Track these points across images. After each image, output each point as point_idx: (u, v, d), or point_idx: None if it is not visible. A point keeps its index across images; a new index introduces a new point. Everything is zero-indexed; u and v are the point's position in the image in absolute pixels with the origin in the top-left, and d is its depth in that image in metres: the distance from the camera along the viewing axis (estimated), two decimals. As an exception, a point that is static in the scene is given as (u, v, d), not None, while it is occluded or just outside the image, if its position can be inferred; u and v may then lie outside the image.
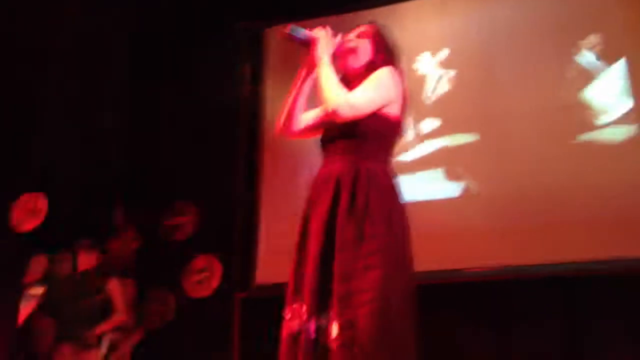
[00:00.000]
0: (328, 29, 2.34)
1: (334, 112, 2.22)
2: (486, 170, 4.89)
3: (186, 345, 5.32)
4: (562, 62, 4.87)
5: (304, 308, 2.21)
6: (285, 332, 2.30)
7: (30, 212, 4.87)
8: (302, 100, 2.45)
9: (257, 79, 5.98)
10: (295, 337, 2.22)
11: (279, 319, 5.06)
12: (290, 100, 2.45)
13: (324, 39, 2.30)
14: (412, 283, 2.23)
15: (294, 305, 2.27)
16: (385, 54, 2.38)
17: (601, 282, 4.37)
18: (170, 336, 5.36)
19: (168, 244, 5.64)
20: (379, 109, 2.26)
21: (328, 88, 2.24)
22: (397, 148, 2.42)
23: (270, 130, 5.73)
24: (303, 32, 2.30)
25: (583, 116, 4.76)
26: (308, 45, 2.30)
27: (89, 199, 5.81)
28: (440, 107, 5.12)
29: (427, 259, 4.58)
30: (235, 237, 5.44)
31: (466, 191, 4.90)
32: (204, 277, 5.30)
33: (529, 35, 5.03)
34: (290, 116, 2.46)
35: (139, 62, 6.18)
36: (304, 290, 2.22)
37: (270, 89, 5.91)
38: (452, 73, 5.14)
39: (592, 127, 4.70)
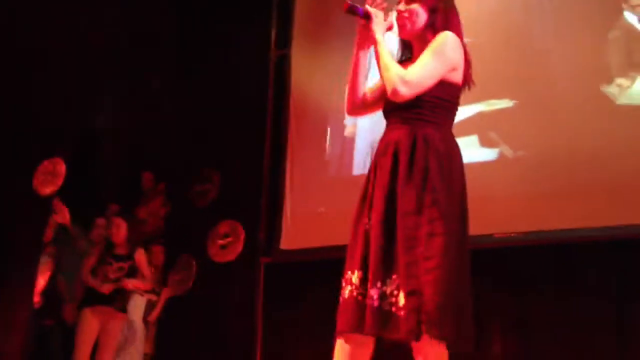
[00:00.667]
0: (382, 3, 2.32)
1: (394, 94, 2.22)
2: (523, 135, 4.72)
3: (211, 310, 5.33)
4: (606, 20, 4.62)
5: (358, 275, 2.24)
6: (342, 298, 2.30)
7: (50, 175, 4.88)
8: (361, 79, 2.43)
9: (285, 42, 5.87)
10: (354, 302, 2.23)
11: (303, 283, 5.07)
12: (350, 81, 2.43)
13: (377, 17, 2.27)
14: (469, 247, 2.26)
15: (349, 273, 2.29)
16: (439, 11, 2.32)
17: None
18: (195, 301, 5.36)
19: (195, 210, 5.63)
20: (443, 79, 2.25)
21: (385, 69, 2.24)
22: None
23: (297, 95, 5.65)
24: (361, 9, 2.28)
25: (625, 80, 4.54)
26: (368, 19, 2.28)
27: (119, 164, 5.84)
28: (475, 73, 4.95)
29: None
30: (261, 203, 5.39)
31: (501, 156, 4.75)
32: (228, 242, 5.27)
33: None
34: (353, 97, 2.45)
35: (184, 25, 6.19)
36: (362, 258, 2.25)
37: (298, 53, 5.79)
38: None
39: (634, 91, 4.48)
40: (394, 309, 2.13)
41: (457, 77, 2.28)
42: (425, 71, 2.21)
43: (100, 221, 5.26)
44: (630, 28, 4.54)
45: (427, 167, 2.18)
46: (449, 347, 2.13)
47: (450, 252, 2.12)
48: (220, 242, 5.26)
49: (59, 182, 4.84)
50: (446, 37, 2.25)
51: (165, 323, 5.39)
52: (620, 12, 4.55)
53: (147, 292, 5.24)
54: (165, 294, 5.33)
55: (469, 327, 2.19)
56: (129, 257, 4.89)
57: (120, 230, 4.90)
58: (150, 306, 5.30)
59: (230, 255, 5.17)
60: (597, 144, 4.44)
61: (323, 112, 5.57)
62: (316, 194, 5.20)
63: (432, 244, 2.11)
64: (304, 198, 5.30)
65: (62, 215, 4.91)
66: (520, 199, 4.57)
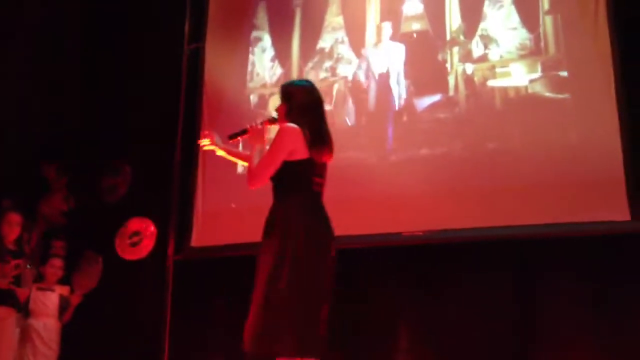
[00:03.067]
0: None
1: (247, 184, 2.94)
2: (434, 134, 4.86)
3: (120, 307, 5.21)
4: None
5: None
6: None
7: None
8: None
9: (198, 36, 5.81)
10: None
11: (214, 281, 5.04)
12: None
13: (253, 131, 3.03)
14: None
15: None
16: (295, 105, 3.02)
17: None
18: (103, 299, 5.23)
19: (102, 206, 5.48)
20: (286, 160, 2.88)
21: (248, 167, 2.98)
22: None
23: (210, 88, 5.60)
24: (239, 131, 3.11)
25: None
26: (246, 133, 3.07)
27: (21, 155, 5.60)
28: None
29: (372, 222, 4.77)
30: (172, 199, 5.31)
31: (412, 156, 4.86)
32: (139, 239, 5.16)
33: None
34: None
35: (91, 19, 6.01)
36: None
37: (211, 47, 5.74)
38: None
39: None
40: None
41: (301, 154, 2.87)
42: (264, 163, 2.90)
43: None
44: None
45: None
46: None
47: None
48: (130, 240, 5.14)
49: None
50: (280, 130, 2.92)
51: (72, 321, 5.22)
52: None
53: (59, 282, 5.09)
54: (76, 297, 5.18)
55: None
56: (22, 254, 4.72)
57: (15, 226, 4.70)
58: (64, 303, 5.13)
59: (141, 253, 5.07)
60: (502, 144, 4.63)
61: (237, 105, 5.55)
62: (228, 190, 5.16)
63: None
64: (216, 194, 5.25)
65: None
66: (428, 198, 4.70)
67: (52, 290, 5.07)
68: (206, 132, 3.26)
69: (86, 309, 5.22)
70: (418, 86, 4.89)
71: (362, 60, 5.12)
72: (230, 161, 5.15)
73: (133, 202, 5.40)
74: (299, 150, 2.86)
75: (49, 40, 5.81)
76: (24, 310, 4.81)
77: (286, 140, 2.86)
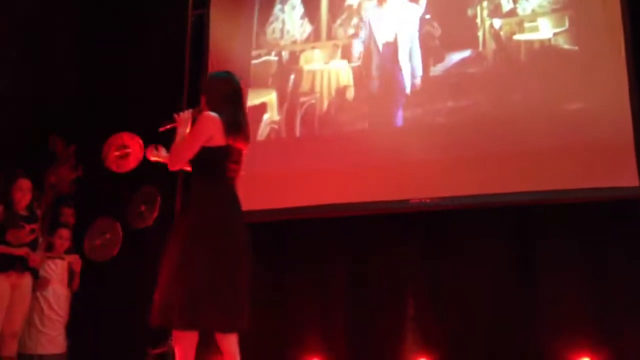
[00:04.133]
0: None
1: (168, 165, 3.16)
2: (439, 102, 4.82)
3: (129, 275, 5.27)
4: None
5: None
6: None
7: None
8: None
9: (202, 2, 5.75)
10: None
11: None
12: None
13: (180, 117, 3.20)
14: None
15: None
16: (213, 96, 3.19)
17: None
18: (113, 267, 5.28)
19: (112, 175, 5.50)
20: (204, 145, 3.03)
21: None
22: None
23: (215, 55, 5.57)
24: (168, 124, 3.24)
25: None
26: (175, 122, 3.22)
27: (26, 125, 5.62)
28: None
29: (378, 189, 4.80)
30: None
31: (417, 122, 4.85)
32: (146, 207, 5.18)
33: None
34: None
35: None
36: None
37: (216, 12, 5.70)
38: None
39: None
40: None
41: (219, 141, 3.04)
42: (184, 146, 3.07)
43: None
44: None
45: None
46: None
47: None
48: (142, 208, 5.16)
49: None
50: (201, 117, 3.08)
51: (82, 288, 5.30)
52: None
53: (66, 252, 5.14)
54: (78, 262, 5.23)
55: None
56: (36, 218, 4.76)
57: (27, 192, 4.73)
58: (71, 271, 5.19)
59: (147, 222, 5.09)
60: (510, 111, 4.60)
61: (242, 71, 5.52)
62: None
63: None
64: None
65: None
66: (435, 165, 4.69)
67: (62, 259, 5.13)
68: (150, 149, 3.40)
69: (97, 277, 5.29)
70: (447, 42, 4.90)
71: (384, 17, 5.13)
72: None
73: (143, 171, 5.41)
74: (216, 137, 3.04)
75: (51, 8, 5.76)
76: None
77: (205, 127, 3.04)
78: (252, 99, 5.34)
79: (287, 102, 5.29)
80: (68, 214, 5.42)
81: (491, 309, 4.51)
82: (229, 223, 3.03)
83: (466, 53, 4.80)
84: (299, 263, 5.15)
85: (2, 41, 5.30)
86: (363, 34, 5.19)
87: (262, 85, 5.42)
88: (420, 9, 5.02)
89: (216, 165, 3.08)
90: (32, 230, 4.68)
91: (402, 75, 4.97)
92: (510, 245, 4.57)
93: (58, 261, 5.13)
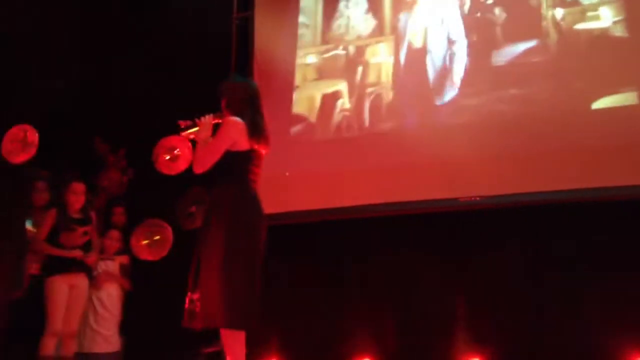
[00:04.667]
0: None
1: (193, 169, 3.21)
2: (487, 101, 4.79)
3: (180, 275, 5.32)
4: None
5: None
6: None
7: (21, 143, 4.68)
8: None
9: (247, 5, 5.82)
10: None
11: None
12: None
13: (201, 122, 3.26)
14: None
15: None
16: (232, 100, 3.26)
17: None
18: (164, 267, 5.36)
19: (162, 177, 5.59)
20: (228, 150, 3.10)
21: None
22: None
23: (260, 57, 5.62)
24: (187, 125, 3.30)
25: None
26: (195, 126, 3.28)
27: (76, 131, 5.75)
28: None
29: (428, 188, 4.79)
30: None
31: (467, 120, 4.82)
32: (196, 209, 5.24)
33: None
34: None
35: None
36: None
37: (261, 15, 5.75)
38: None
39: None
40: None
41: (243, 145, 3.11)
42: (209, 151, 3.13)
43: (41, 185, 5.09)
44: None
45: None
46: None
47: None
48: (191, 209, 5.23)
49: (32, 151, 4.65)
50: (225, 123, 3.15)
51: (135, 288, 5.41)
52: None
53: (117, 253, 5.25)
54: (127, 263, 5.34)
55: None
56: (89, 220, 4.88)
57: (80, 195, 4.85)
58: (123, 271, 5.30)
59: (198, 222, 5.14)
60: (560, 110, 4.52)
61: (287, 73, 5.57)
62: (282, 157, 5.21)
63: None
64: (270, 162, 5.28)
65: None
66: (485, 163, 4.65)
67: (112, 259, 5.24)
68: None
69: (149, 276, 5.38)
70: (510, 31, 4.90)
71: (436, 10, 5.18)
72: (283, 130, 5.27)
73: (191, 172, 5.47)
74: (240, 141, 3.12)
75: (95, 10, 5.87)
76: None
77: (230, 132, 3.12)
78: (324, 89, 5.47)
79: (356, 93, 5.33)
80: (118, 214, 5.52)
81: (541, 307, 4.44)
82: (255, 226, 3.11)
83: (531, 43, 4.79)
84: (348, 262, 5.15)
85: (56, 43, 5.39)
86: (419, 26, 5.22)
87: (333, 77, 5.51)
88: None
89: (240, 169, 3.15)
90: (85, 233, 4.79)
91: (455, 65, 4.98)
92: (562, 243, 4.49)
93: (109, 262, 5.25)
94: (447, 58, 5.03)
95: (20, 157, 4.59)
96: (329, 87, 5.47)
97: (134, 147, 5.88)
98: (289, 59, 5.63)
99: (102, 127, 5.92)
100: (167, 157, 5.19)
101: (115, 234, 5.32)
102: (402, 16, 5.34)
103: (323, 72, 5.58)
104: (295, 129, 5.47)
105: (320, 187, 5.16)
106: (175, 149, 5.19)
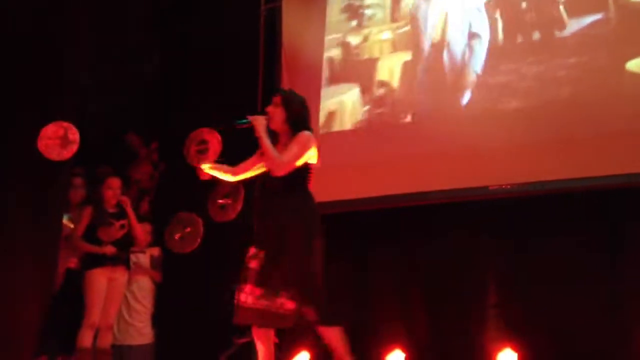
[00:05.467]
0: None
1: (272, 171, 3.40)
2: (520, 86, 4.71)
3: (210, 268, 5.37)
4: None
5: None
6: None
7: (60, 140, 4.72)
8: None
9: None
10: None
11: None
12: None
13: (257, 121, 3.41)
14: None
15: None
16: (295, 114, 3.46)
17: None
18: (195, 259, 5.40)
19: (191, 169, 5.61)
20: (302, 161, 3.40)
21: (267, 154, 3.40)
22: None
23: (288, 48, 5.62)
24: (244, 122, 3.45)
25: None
26: (251, 125, 3.43)
27: (107, 125, 5.80)
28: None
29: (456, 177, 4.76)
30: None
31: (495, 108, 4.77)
32: (229, 202, 5.26)
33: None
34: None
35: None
36: None
37: (288, 6, 5.74)
38: None
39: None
40: None
41: (313, 160, 3.45)
42: (291, 158, 3.36)
43: (77, 181, 5.20)
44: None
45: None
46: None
47: None
48: (220, 201, 5.25)
49: (74, 148, 4.71)
50: (305, 135, 3.40)
51: (166, 281, 5.46)
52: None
53: (148, 245, 5.31)
54: (159, 255, 5.39)
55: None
56: (123, 214, 4.94)
57: (116, 190, 4.94)
58: (154, 263, 5.36)
59: (230, 215, 5.18)
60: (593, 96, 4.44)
61: (315, 63, 5.56)
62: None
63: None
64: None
65: None
66: (515, 151, 4.60)
67: (143, 252, 5.31)
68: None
69: (181, 269, 5.43)
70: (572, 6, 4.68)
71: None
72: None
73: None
74: (312, 155, 3.45)
75: (123, 8, 5.91)
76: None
77: (311, 146, 3.42)
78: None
79: (378, 84, 5.30)
80: (145, 207, 5.58)
81: (577, 296, 4.38)
82: (319, 228, 3.43)
83: (597, 16, 4.54)
84: (380, 253, 5.15)
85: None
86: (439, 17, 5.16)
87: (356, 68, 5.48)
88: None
89: (307, 178, 3.48)
90: (122, 226, 4.87)
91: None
92: (596, 230, 4.43)
93: (140, 254, 5.31)
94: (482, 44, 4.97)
95: (61, 155, 4.63)
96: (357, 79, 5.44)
97: (166, 141, 5.92)
98: (318, 50, 5.60)
99: (134, 121, 5.96)
100: (197, 149, 5.23)
101: (146, 227, 5.37)
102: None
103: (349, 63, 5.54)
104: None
105: (352, 178, 5.14)
106: (205, 141, 5.22)
